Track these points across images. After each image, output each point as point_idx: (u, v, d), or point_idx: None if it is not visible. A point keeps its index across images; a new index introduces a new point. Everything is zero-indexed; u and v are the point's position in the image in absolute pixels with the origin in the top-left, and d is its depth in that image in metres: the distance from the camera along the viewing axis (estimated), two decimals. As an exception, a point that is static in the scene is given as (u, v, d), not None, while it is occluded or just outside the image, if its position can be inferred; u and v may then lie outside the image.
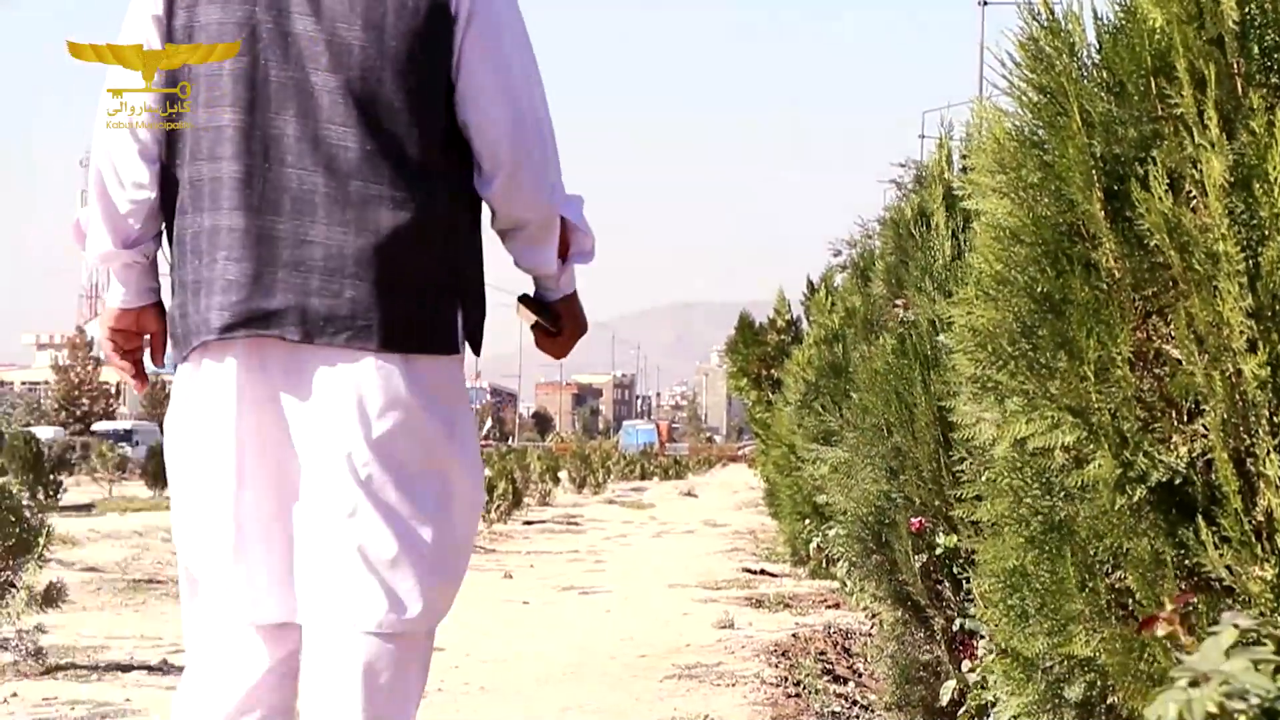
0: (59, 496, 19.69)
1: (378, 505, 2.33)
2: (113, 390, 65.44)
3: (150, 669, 5.73)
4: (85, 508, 20.01)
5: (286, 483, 2.37)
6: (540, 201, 2.49)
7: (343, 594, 2.33)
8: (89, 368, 64.74)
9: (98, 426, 53.16)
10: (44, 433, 34.25)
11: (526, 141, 2.44)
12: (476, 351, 2.51)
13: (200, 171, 2.41)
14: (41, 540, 5.88)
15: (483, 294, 2.53)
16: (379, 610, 2.32)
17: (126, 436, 46.33)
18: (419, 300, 2.38)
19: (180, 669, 5.69)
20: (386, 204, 2.35)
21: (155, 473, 25.48)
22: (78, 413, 61.82)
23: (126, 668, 5.75)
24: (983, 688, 2.95)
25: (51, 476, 19.73)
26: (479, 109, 2.41)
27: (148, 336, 2.61)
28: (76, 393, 63.22)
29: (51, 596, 5.89)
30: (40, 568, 5.87)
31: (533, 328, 2.66)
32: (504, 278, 2.90)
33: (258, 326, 2.33)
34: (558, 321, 2.64)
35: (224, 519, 2.39)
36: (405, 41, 2.35)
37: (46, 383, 73.15)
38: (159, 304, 2.60)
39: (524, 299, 2.65)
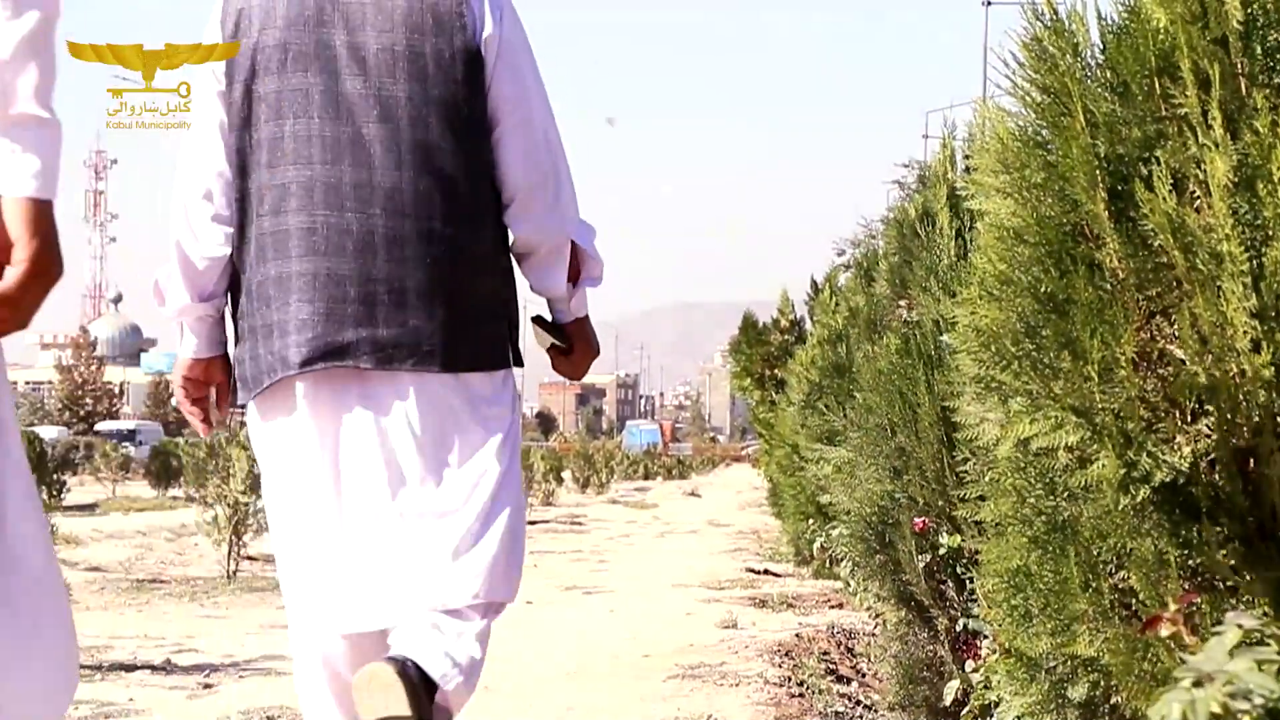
0: (63, 496, 19.73)
1: (453, 504, 2.61)
2: (116, 390, 65.48)
3: (153, 669, 5.74)
4: (89, 507, 20.05)
5: (363, 499, 2.62)
6: (551, 226, 2.73)
7: (430, 577, 2.60)
8: (92, 367, 64.80)
9: (101, 426, 53.22)
10: (47, 432, 34.29)
11: (541, 171, 2.70)
12: (520, 364, 2.79)
13: (265, 226, 2.65)
14: (45, 540, 5.87)
15: (517, 315, 2.80)
16: (469, 587, 2.60)
17: (130, 436, 46.39)
18: (474, 325, 2.66)
19: (183, 669, 5.71)
20: (441, 239, 2.61)
21: (158, 473, 25.50)
22: (81, 412, 61.86)
23: (130, 668, 5.75)
24: (986, 688, 2.95)
25: (55, 476, 19.76)
26: (502, 141, 2.68)
27: (214, 387, 2.84)
28: (80, 392, 63.30)
29: (55, 596, 5.89)
30: (44, 567, 5.87)
31: (548, 350, 2.88)
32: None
33: (334, 359, 2.59)
34: (569, 341, 2.86)
35: (317, 535, 2.65)
36: (448, 89, 2.62)
37: (50, 382, 73.21)
38: (226, 355, 2.83)
39: (537, 320, 2.87)
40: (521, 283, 2.84)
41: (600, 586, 9.38)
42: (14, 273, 1.69)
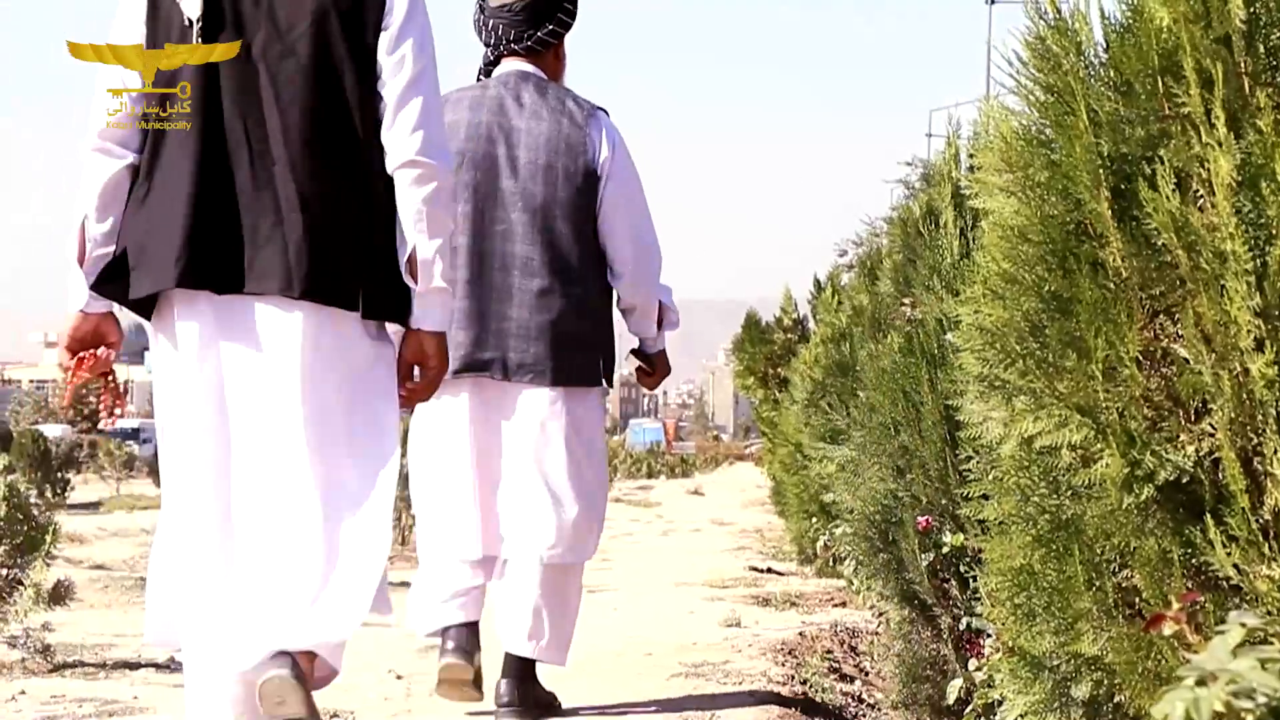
0: (67, 494, 19.72)
1: (562, 478, 3.85)
2: (120, 388, 65.43)
3: (158, 667, 5.74)
4: (93, 505, 20.04)
5: (491, 467, 3.86)
6: (647, 293, 3.99)
7: (532, 534, 3.86)
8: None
9: (105, 425, 52.99)
10: (52, 430, 34.22)
11: (641, 257, 3.92)
12: (610, 384, 4.01)
13: None
14: (49, 538, 5.89)
15: (614, 349, 4.01)
16: (559, 545, 3.88)
17: (134, 435, 46.27)
18: (577, 355, 3.84)
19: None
20: (557, 294, 3.80)
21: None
22: (85, 411, 61.87)
23: (134, 665, 5.76)
24: (989, 686, 2.94)
25: (59, 474, 19.77)
26: (612, 237, 3.88)
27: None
28: (84, 391, 63.22)
29: (59, 594, 5.90)
30: (48, 565, 5.88)
31: (636, 371, 4.17)
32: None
33: (476, 370, 3.79)
34: (653, 366, 4.16)
35: (467, 490, 3.86)
36: (569, 193, 3.81)
37: (54, 381, 73.19)
38: None
39: (633, 351, 4.18)
40: (619, 324, 4.09)
41: (603, 585, 9.37)
42: (430, 376, 3.02)
